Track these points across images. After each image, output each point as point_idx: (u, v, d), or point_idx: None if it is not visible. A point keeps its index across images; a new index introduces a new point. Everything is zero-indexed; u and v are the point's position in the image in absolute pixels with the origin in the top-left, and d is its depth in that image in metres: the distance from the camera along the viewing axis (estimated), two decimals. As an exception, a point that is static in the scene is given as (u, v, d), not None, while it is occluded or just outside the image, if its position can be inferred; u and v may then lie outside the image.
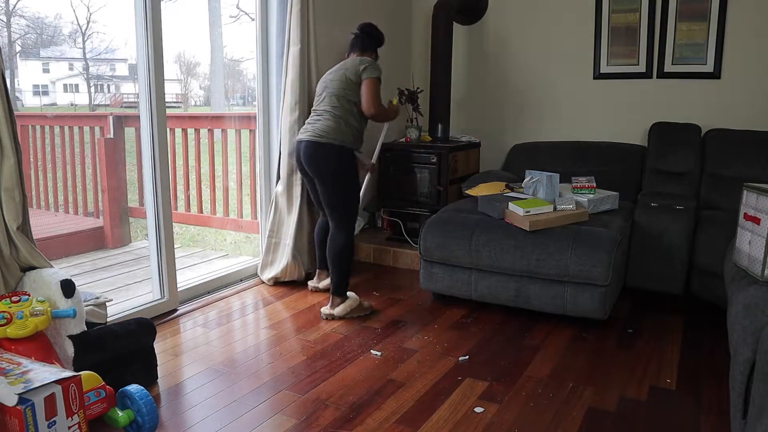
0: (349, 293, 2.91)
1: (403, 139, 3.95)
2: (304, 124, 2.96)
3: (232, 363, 2.39)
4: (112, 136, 3.93)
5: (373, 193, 3.29)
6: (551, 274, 2.70)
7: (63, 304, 1.95)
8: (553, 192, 3.01)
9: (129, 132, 4.02)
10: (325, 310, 2.88)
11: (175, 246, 2.93)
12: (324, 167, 2.78)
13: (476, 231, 2.87)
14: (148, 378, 2.20)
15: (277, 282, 3.35)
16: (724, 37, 3.49)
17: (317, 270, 3.26)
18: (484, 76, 4.28)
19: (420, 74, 4.39)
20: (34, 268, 2.09)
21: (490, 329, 2.76)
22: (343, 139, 2.78)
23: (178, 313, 2.91)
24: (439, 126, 3.93)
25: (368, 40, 2.95)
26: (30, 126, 4.14)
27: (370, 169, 3.27)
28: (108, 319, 2.35)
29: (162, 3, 2.70)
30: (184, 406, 2.06)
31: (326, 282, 3.16)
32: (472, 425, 1.94)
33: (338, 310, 2.85)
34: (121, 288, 3.33)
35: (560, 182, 3.12)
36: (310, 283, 3.25)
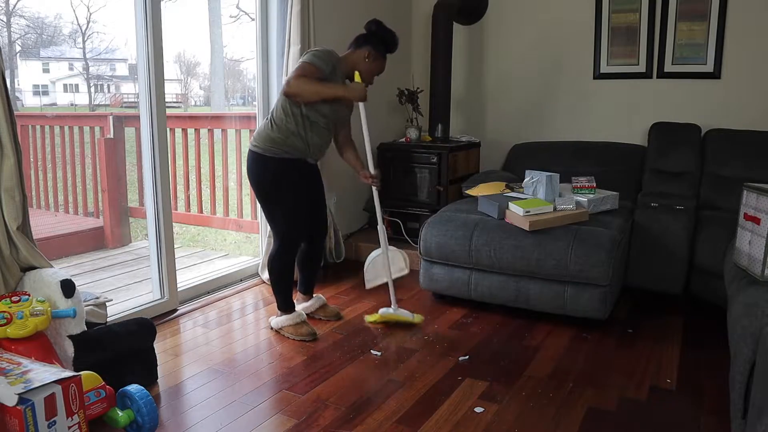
0: (298, 310, 2.74)
1: (403, 139, 3.95)
2: None
3: (232, 363, 2.39)
4: (112, 136, 3.93)
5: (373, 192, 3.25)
6: (551, 274, 2.70)
7: (63, 304, 1.95)
8: (553, 192, 3.00)
9: (129, 132, 4.02)
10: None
11: (175, 246, 2.93)
12: (250, 177, 2.57)
13: (476, 231, 2.87)
14: (148, 378, 2.20)
15: (277, 282, 3.34)
16: (724, 37, 3.49)
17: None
18: (484, 76, 4.28)
19: (420, 74, 4.39)
20: (34, 268, 2.09)
21: (490, 329, 2.76)
22: (265, 147, 2.50)
23: (178, 313, 2.91)
24: (439, 126, 3.93)
25: (361, 35, 2.65)
26: (30, 126, 4.14)
27: (366, 178, 2.75)
28: (108, 319, 2.35)
29: (162, 3, 2.70)
30: (184, 406, 2.06)
31: (302, 306, 2.85)
32: (472, 425, 1.94)
33: (273, 322, 2.71)
34: (121, 288, 3.33)
35: (560, 182, 3.11)
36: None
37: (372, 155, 2.73)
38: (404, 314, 2.79)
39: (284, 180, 2.52)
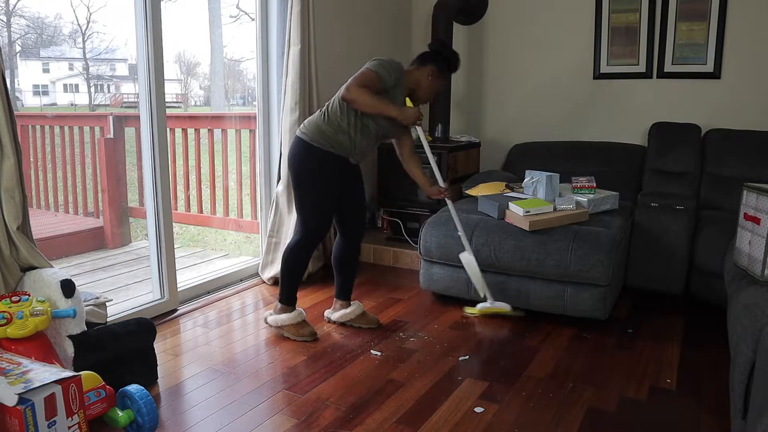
0: (299, 309, 2.69)
1: (403, 139, 3.94)
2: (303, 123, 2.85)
3: (232, 363, 2.39)
4: (112, 136, 3.93)
5: (373, 192, 3.23)
6: (551, 274, 2.70)
7: (63, 304, 1.95)
8: (553, 192, 3.01)
9: (129, 132, 4.02)
10: (326, 312, 2.85)
11: (175, 246, 2.93)
12: (290, 162, 2.58)
13: (476, 231, 2.87)
14: (148, 378, 2.20)
15: (277, 282, 3.34)
16: (724, 37, 3.49)
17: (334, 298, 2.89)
18: (484, 76, 4.28)
19: (420, 74, 4.39)
20: (34, 268, 2.09)
21: (490, 329, 2.76)
22: (313, 136, 2.49)
23: (178, 313, 2.91)
24: (439, 126, 3.93)
25: (425, 53, 2.69)
26: (30, 126, 4.14)
27: (435, 194, 2.80)
28: (108, 319, 2.35)
29: (162, 3, 2.70)
30: (184, 406, 2.06)
31: (341, 313, 2.79)
32: (472, 425, 1.94)
33: (271, 318, 2.68)
34: (121, 288, 3.33)
35: (560, 182, 3.12)
36: (326, 313, 2.88)
37: (438, 169, 2.80)
38: (501, 306, 2.86)
39: (323, 172, 2.52)
